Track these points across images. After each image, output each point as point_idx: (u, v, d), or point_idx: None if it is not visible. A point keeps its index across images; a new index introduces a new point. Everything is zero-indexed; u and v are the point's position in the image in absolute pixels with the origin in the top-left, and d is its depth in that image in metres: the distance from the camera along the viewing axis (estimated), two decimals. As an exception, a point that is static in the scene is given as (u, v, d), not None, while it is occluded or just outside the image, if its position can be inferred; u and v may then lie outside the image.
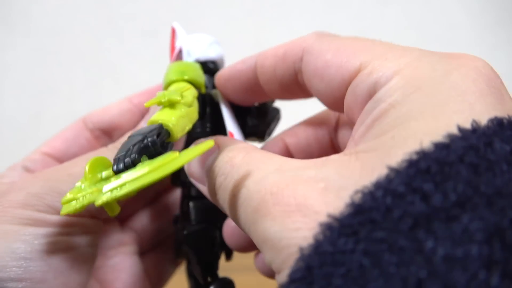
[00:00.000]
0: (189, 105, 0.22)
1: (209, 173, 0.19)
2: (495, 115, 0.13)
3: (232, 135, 0.24)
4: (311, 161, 0.15)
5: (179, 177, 0.25)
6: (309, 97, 0.22)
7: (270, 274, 0.29)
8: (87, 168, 0.19)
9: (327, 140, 0.23)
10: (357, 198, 0.13)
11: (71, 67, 0.78)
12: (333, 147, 0.23)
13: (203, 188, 0.20)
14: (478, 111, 0.13)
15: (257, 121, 0.26)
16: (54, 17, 0.77)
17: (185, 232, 0.24)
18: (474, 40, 0.82)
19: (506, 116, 0.13)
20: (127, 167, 0.18)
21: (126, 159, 0.18)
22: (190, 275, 0.29)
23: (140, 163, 0.18)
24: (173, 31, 0.29)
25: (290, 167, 0.15)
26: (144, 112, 0.28)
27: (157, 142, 0.18)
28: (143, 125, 0.27)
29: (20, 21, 0.77)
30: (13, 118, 0.79)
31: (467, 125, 0.12)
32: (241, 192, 0.16)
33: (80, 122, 0.29)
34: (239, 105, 0.27)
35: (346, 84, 0.18)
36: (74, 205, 0.17)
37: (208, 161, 0.19)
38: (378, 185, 0.12)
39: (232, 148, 0.18)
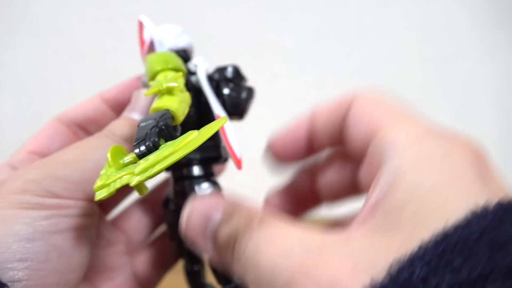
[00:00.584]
0: (182, 91, 0.23)
1: (218, 238, 0.18)
2: (488, 197, 0.15)
3: (219, 117, 0.25)
4: (334, 237, 0.16)
5: None
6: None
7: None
8: (109, 155, 0.20)
9: (350, 176, 0.24)
10: (393, 271, 0.14)
11: (71, 67, 0.78)
12: (353, 183, 0.24)
13: (205, 250, 0.19)
14: (475, 194, 0.15)
15: (236, 98, 0.28)
16: (54, 17, 0.77)
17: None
18: (474, 40, 0.82)
19: (498, 197, 0.15)
20: (149, 150, 0.19)
21: (147, 143, 0.19)
22: (188, 272, 0.29)
23: (162, 145, 0.19)
24: (141, 24, 0.29)
25: (314, 242, 0.16)
26: (115, 106, 0.29)
27: (170, 125, 0.20)
28: (113, 118, 0.28)
29: (20, 21, 0.77)
30: (13, 118, 0.79)
31: (470, 207, 0.14)
32: (266, 266, 0.16)
33: (55, 121, 0.30)
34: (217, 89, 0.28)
35: (369, 140, 0.19)
36: (108, 189, 0.18)
37: (213, 224, 0.18)
38: (411, 259, 0.14)
39: (244, 213, 0.18)
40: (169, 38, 0.28)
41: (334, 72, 0.82)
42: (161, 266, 0.29)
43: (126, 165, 0.19)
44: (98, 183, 0.19)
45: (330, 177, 0.26)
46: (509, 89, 0.84)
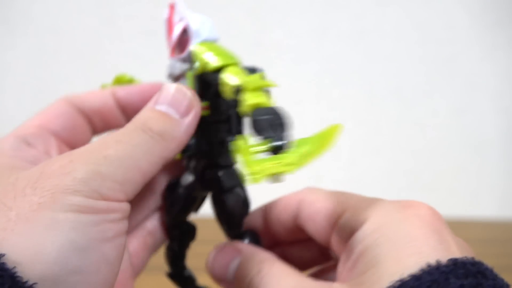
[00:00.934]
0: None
1: (239, 278, 0.23)
2: (438, 256, 0.18)
3: None
4: (324, 284, 0.21)
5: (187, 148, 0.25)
6: (306, 237, 0.26)
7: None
8: (242, 143, 0.21)
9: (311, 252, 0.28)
10: None
11: (71, 67, 0.79)
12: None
13: (221, 282, 0.25)
14: (425, 254, 0.18)
15: None
16: (54, 17, 0.77)
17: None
18: (474, 40, 0.82)
19: (450, 255, 0.18)
20: (287, 144, 0.21)
21: (285, 137, 0.21)
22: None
23: (301, 139, 0.21)
24: (172, 7, 0.29)
25: (309, 286, 0.21)
26: (123, 106, 0.28)
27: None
28: (120, 117, 0.28)
29: (21, 21, 0.77)
30: (14, 118, 0.79)
31: (421, 265, 0.18)
32: None
33: (62, 101, 0.29)
34: None
35: (332, 226, 0.23)
36: (260, 176, 0.19)
37: (233, 265, 0.24)
38: None
39: (258, 260, 0.23)
40: (205, 29, 0.28)
41: (334, 72, 0.82)
42: (150, 248, 0.29)
43: (254, 153, 0.20)
44: (255, 167, 0.19)
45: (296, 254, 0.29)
46: (509, 88, 0.84)
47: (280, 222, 0.26)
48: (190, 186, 0.27)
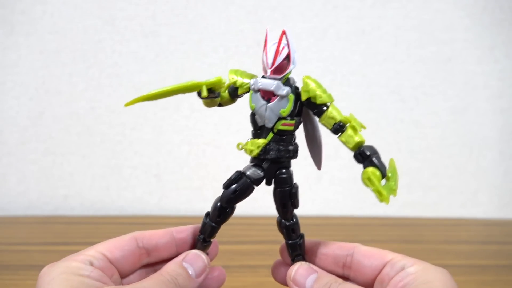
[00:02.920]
0: None
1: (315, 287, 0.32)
2: None
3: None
4: None
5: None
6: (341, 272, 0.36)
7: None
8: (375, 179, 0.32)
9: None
10: None
11: (72, 67, 0.79)
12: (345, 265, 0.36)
13: None
14: None
15: None
16: (55, 18, 0.78)
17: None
18: (473, 40, 0.82)
19: None
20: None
21: (388, 171, 0.33)
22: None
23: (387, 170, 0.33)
24: (283, 34, 0.33)
25: None
26: (180, 245, 0.36)
27: None
28: (174, 253, 0.36)
29: (21, 21, 0.77)
30: (15, 118, 0.79)
31: None
32: None
33: (133, 239, 0.35)
34: None
35: (384, 264, 0.33)
36: (388, 199, 0.32)
37: (312, 278, 0.33)
38: None
39: (333, 277, 0.33)
40: (296, 58, 0.34)
41: (334, 72, 0.82)
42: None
43: (379, 181, 0.32)
44: (384, 192, 0.31)
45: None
46: (505, 90, 0.84)
47: (334, 255, 0.35)
48: (259, 180, 0.35)
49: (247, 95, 0.35)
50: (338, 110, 0.34)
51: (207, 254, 0.36)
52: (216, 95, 0.35)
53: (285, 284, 0.36)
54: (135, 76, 0.79)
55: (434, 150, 0.85)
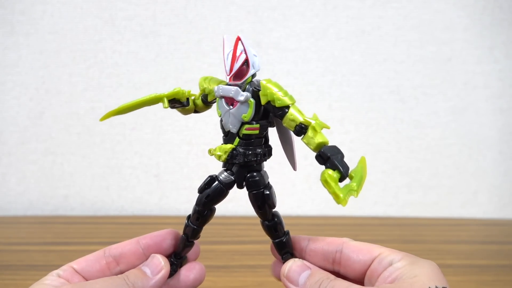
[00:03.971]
0: None
1: (309, 284, 0.33)
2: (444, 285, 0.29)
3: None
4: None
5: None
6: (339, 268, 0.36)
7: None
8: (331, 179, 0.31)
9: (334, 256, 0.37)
10: None
11: (72, 67, 0.79)
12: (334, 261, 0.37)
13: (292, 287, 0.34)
14: (434, 283, 0.29)
15: None
16: (55, 18, 0.78)
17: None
18: (473, 41, 0.82)
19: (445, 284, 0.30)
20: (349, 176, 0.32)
21: (348, 170, 0.32)
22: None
23: (352, 171, 0.32)
24: (238, 40, 0.34)
25: None
26: (146, 250, 0.37)
27: None
28: (141, 257, 0.37)
29: (22, 22, 0.77)
30: (15, 118, 0.79)
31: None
32: None
33: (101, 251, 0.37)
34: None
35: (372, 259, 0.34)
36: (345, 201, 0.30)
37: (305, 274, 0.34)
38: None
39: (325, 274, 0.34)
40: (257, 62, 0.34)
41: (334, 72, 0.82)
42: None
43: (336, 182, 0.31)
44: (341, 193, 0.30)
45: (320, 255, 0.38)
46: (505, 90, 0.84)
47: (323, 251, 0.36)
48: (230, 184, 0.35)
49: None
50: (299, 111, 0.33)
51: (185, 255, 0.38)
52: (184, 104, 0.37)
53: None
54: (135, 76, 0.79)
55: (434, 150, 0.85)
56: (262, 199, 0.35)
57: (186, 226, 0.36)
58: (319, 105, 0.82)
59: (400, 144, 0.84)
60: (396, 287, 0.29)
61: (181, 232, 0.38)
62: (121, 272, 0.36)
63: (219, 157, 0.35)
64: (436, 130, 0.84)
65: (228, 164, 0.35)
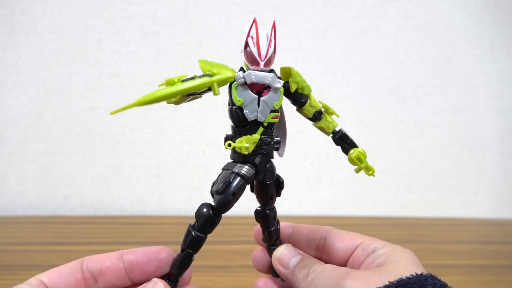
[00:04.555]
0: None
1: (298, 269, 0.34)
2: (420, 271, 0.30)
3: None
4: (350, 270, 0.31)
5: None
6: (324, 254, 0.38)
7: (265, 270, 0.40)
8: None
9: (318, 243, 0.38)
10: None
11: (72, 67, 0.79)
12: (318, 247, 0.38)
13: (284, 271, 0.35)
14: (414, 268, 0.31)
15: None
16: (55, 18, 0.78)
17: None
18: (473, 40, 0.82)
19: (425, 272, 0.31)
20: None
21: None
22: None
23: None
24: (274, 25, 0.33)
25: (343, 270, 0.31)
26: (128, 268, 0.32)
27: None
28: (123, 275, 0.33)
29: (22, 22, 0.77)
30: (15, 118, 0.79)
31: (412, 273, 0.30)
32: (324, 279, 0.32)
33: (79, 263, 0.32)
34: None
35: (355, 246, 0.35)
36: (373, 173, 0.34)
37: (295, 259, 0.35)
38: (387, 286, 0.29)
39: (315, 260, 0.35)
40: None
41: (334, 72, 0.82)
42: None
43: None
44: (372, 168, 0.34)
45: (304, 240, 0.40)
46: (505, 90, 0.84)
47: (307, 238, 0.37)
48: (252, 177, 0.33)
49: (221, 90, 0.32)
50: (314, 98, 0.35)
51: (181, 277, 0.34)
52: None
53: (264, 271, 0.40)
54: (135, 76, 0.79)
55: (434, 150, 0.85)
56: (278, 187, 0.35)
57: (193, 237, 0.32)
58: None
59: (400, 144, 0.84)
60: (383, 270, 0.31)
61: (174, 248, 0.33)
62: None
63: (246, 149, 0.32)
64: (436, 130, 0.84)
65: (248, 156, 0.32)
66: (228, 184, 0.31)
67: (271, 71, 0.32)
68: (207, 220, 0.31)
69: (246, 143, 0.32)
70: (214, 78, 0.30)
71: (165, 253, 0.33)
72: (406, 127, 0.84)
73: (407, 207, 0.85)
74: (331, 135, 0.35)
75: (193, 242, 0.32)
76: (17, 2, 0.77)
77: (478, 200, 0.86)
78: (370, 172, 0.34)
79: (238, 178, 0.32)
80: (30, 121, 0.79)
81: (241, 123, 0.32)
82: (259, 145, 0.32)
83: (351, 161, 0.34)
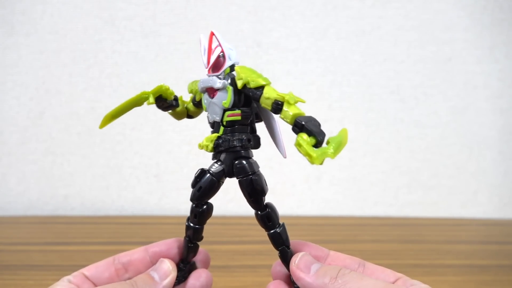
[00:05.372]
0: None
1: (320, 274, 0.33)
2: None
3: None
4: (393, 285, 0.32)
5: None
6: None
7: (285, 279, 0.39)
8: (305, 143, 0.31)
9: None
10: None
11: (72, 67, 0.79)
12: None
13: (304, 275, 0.34)
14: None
15: None
16: (55, 18, 0.78)
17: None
18: (473, 41, 0.82)
19: None
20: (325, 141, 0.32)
21: (324, 135, 0.31)
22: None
23: (330, 137, 0.32)
24: (212, 35, 0.36)
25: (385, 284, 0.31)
26: (153, 257, 0.38)
27: None
28: (149, 265, 0.38)
29: (22, 22, 0.77)
30: (15, 118, 0.79)
31: None
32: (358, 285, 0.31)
33: (111, 258, 0.38)
34: None
35: (396, 278, 0.35)
36: (320, 160, 0.30)
37: (316, 266, 0.34)
38: None
39: (337, 267, 0.34)
40: (234, 55, 0.36)
41: (334, 72, 0.82)
42: None
43: (311, 145, 0.31)
44: (315, 154, 0.30)
45: None
46: (505, 90, 0.84)
47: (345, 264, 0.37)
48: (219, 174, 0.36)
49: None
50: (274, 89, 0.34)
51: (193, 258, 0.38)
52: (172, 104, 0.37)
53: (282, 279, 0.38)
54: (135, 76, 0.79)
55: (434, 150, 0.85)
56: (251, 185, 0.35)
57: (187, 227, 0.37)
58: (319, 105, 0.82)
59: (400, 144, 0.84)
60: None
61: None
62: (129, 279, 0.36)
63: (206, 147, 0.36)
64: (436, 130, 0.84)
65: (216, 154, 0.36)
66: (196, 178, 0.36)
67: (222, 74, 0.35)
68: (191, 211, 0.36)
69: (205, 142, 0.36)
70: (148, 91, 0.35)
71: (180, 241, 0.38)
72: (406, 127, 0.84)
73: (407, 207, 0.85)
74: (292, 126, 0.33)
75: (186, 230, 0.37)
76: (17, 2, 0.77)
77: (478, 200, 0.86)
78: (311, 159, 0.30)
79: (206, 174, 0.36)
80: (30, 121, 0.79)
81: (211, 126, 0.37)
82: (217, 142, 0.35)
83: (297, 149, 0.32)
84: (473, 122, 0.84)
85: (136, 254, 0.38)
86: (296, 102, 0.33)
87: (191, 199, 0.36)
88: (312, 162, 0.30)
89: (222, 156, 0.36)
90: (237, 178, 0.35)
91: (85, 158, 0.80)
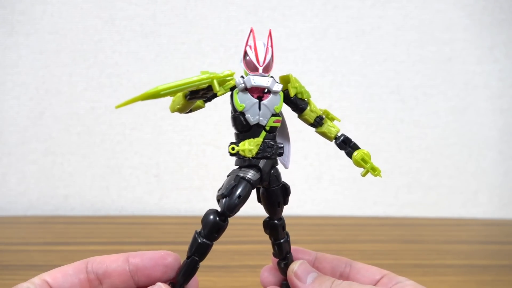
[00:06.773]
0: None
1: (318, 282, 0.34)
2: None
3: None
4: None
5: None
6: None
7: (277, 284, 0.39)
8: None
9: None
10: None
11: (72, 67, 0.79)
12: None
13: (301, 285, 0.34)
14: None
15: None
16: (55, 18, 0.78)
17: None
18: (473, 41, 0.82)
19: None
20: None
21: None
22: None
23: None
24: (270, 33, 0.36)
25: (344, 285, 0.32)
26: (134, 272, 0.32)
27: None
28: (128, 278, 0.32)
29: (22, 22, 0.77)
30: (15, 118, 0.79)
31: None
32: None
33: (83, 263, 0.32)
34: None
35: (382, 275, 0.35)
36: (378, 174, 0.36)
37: (312, 276, 0.34)
38: None
39: (331, 277, 0.35)
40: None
41: (334, 72, 0.82)
42: None
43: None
44: (378, 170, 0.36)
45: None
46: (505, 90, 0.84)
47: (332, 265, 0.38)
48: (256, 182, 0.33)
49: (221, 98, 0.33)
50: (315, 104, 0.37)
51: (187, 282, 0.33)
52: (211, 96, 0.33)
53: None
54: (135, 76, 0.79)
55: (434, 150, 0.85)
56: (285, 193, 0.35)
57: (199, 245, 0.32)
58: (319, 105, 0.82)
59: (400, 144, 0.84)
60: None
61: (180, 254, 0.33)
62: None
63: (249, 151, 0.32)
64: (436, 130, 0.84)
65: (252, 160, 0.33)
66: (233, 186, 0.32)
67: (271, 77, 0.33)
68: (214, 226, 0.32)
69: (249, 146, 0.32)
70: (213, 75, 0.30)
71: (172, 258, 0.32)
72: (406, 127, 0.84)
73: (407, 207, 0.85)
74: (334, 140, 0.36)
75: (199, 249, 0.32)
76: (17, 2, 0.77)
77: (478, 200, 0.86)
78: (376, 173, 0.35)
79: (244, 182, 0.32)
80: (30, 121, 0.79)
81: (244, 128, 0.33)
82: (263, 148, 0.33)
83: (356, 163, 0.34)
84: (473, 122, 0.84)
85: (114, 263, 0.32)
86: (333, 120, 0.37)
87: (229, 210, 0.32)
88: (376, 175, 0.35)
89: (261, 163, 0.33)
90: (271, 187, 0.34)
91: (85, 158, 0.80)
